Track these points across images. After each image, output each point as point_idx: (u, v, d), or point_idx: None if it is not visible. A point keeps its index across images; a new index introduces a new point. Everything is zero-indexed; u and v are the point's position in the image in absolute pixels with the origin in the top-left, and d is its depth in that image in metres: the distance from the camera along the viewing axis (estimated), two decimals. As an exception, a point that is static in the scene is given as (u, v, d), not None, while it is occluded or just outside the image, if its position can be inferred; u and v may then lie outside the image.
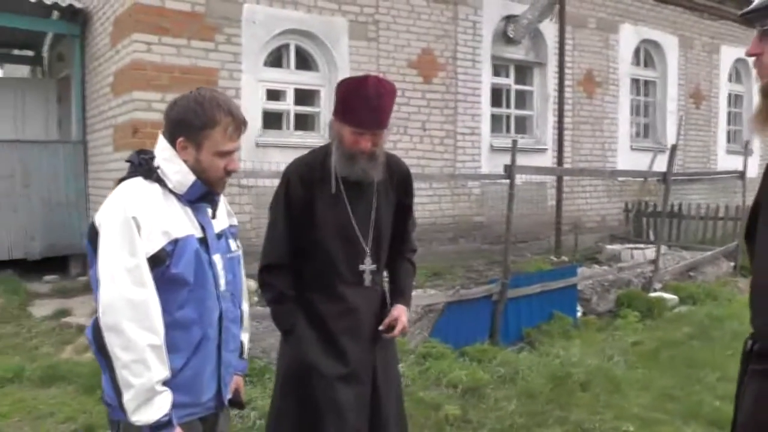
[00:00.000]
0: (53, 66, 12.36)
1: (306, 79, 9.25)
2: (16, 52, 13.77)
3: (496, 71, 11.12)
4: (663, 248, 9.22)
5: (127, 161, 2.26)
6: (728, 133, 15.11)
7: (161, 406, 2.05)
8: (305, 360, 2.85)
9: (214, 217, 2.32)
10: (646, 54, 13.40)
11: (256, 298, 5.69)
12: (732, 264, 10.14)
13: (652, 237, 11.08)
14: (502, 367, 5.56)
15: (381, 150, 2.84)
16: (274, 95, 9.03)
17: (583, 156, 11.99)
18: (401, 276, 3.11)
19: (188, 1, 8.10)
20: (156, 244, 2.09)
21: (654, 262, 8.68)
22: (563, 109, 11.11)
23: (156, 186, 2.18)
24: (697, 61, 14.05)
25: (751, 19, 1.91)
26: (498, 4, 10.72)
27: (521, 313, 6.77)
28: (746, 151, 10.80)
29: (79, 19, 9.81)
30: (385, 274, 3.11)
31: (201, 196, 2.23)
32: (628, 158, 12.52)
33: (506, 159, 6.93)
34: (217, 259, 2.27)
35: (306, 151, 3.05)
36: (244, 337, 2.55)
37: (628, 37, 12.67)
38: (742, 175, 10.64)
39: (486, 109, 10.75)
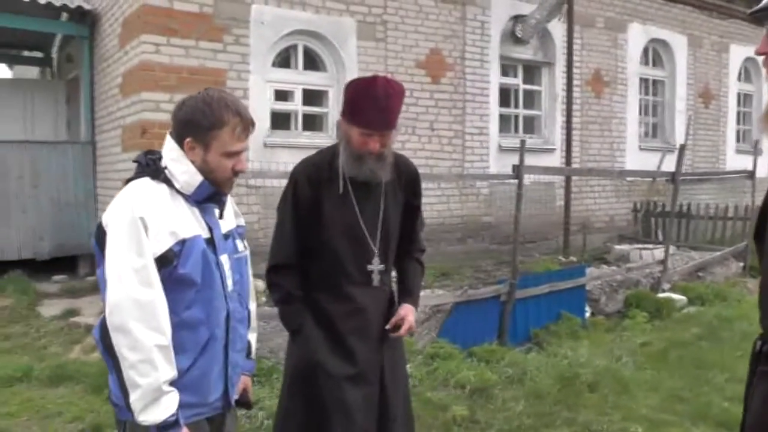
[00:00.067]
0: (62, 67, 12.41)
1: (314, 80, 9.26)
2: (25, 53, 13.86)
3: (505, 71, 11.10)
4: (672, 248, 9.18)
5: (135, 162, 2.26)
6: (737, 132, 15.04)
7: (168, 406, 2.05)
8: (313, 360, 2.85)
9: (221, 217, 2.32)
10: (655, 53, 13.35)
11: (263, 298, 5.70)
12: (741, 264, 10.09)
13: (660, 237, 11.03)
14: (510, 367, 5.55)
15: (389, 150, 2.84)
16: (282, 96, 9.03)
17: (591, 156, 11.96)
18: (410, 276, 3.11)
19: (196, 2, 8.12)
20: (163, 244, 2.09)
21: (663, 262, 8.64)
22: (572, 108, 11.09)
23: (163, 186, 2.18)
24: (706, 61, 13.99)
25: (760, 17, 1.90)
26: (506, 4, 10.71)
27: (529, 313, 6.76)
28: (756, 151, 10.75)
29: (87, 20, 9.85)
30: (393, 274, 3.10)
31: (208, 196, 2.23)
32: (636, 158, 12.48)
33: (514, 159, 6.92)
34: (224, 259, 2.27)
35: (314, 152, 3.05)
36: (252, 338, 2.55)
37: (637, 36, 12.63)
38: (751, 174, 10.59)
39: (494, 109, 10.73)
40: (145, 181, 2.19)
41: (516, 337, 6.59)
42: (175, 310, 2.11)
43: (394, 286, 3.12)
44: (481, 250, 10.11)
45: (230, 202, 2.41)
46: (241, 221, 2.50)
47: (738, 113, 15.04)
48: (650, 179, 12.02)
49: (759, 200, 2.24)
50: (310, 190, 2.86)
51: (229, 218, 2.39)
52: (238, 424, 3.42)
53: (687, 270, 9.26)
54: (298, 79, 9.11)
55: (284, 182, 3.00)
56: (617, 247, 10.61)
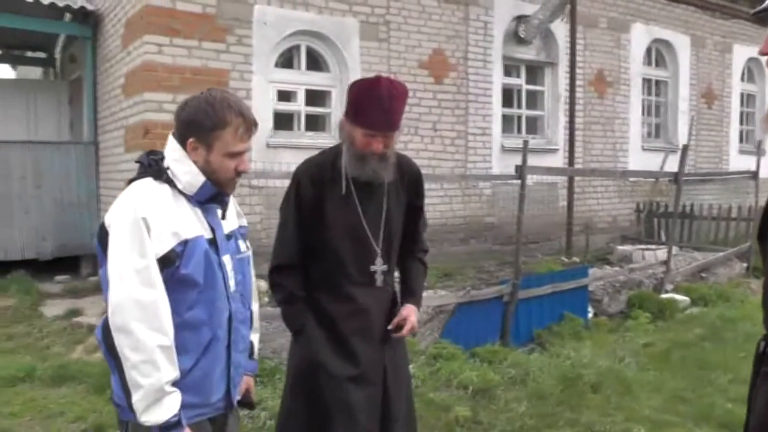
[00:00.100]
0: (65, 68, 12.43)
1: (317, 80, 9.26)
2: (29, 53, 13.88)
3: (507, 71, 11.09)
4: (674, 249, 9.17)
5: (137, 162, 2.26)
6: (741, 133, 15.02)
7: (170, 406, 2.05)
8: (315, 360, 2.85)
9: (223, 217, 2.32)
10: (658, 53, 13.34)
11: (266, 299, 5.70)
12: (744, 265, 10.07)
13: (663, 238, 11.02)
14: (512, 368, 5.54)
15: (392, 151, 2.84)
16: (285, 96, 9.04)
17: (594, 156, 11.94)
18: (412, 276, 3.11)
19: (199, 3, 8.12)
20: (166, 245, 2.09)
21: (665, 263, 8.63)
22: (574, 109, 11.07)
23: (166, 187, 2.18)
24: (709, 61, 13.97)
25: (764, 17, 1.90)
26: (509, 5, 10.70)
27: (532, 314, 6.75)
28: (759, 151, 10.73)
29: (90, 21, 9.87)
30: (396, 274, 3.10)
31: (211, 197, 2.23)
32: (639, 158, 12.46)
33: (517, 159, 6.91)
34: (226, 259, 2.27)
35: (317, 152, 3.05)
36: (254, 338, 2.55)
37: (640, 36, 12.61)
38: (754, 175, 10.57)
39: (497, 109, 10.73)
40: (148, 182, 2.18)
41: (519, 337, 6.58)
42: (177, 311, 2.11)
43: (397, 287, 3.12)
44: (483, 251, 10.11)
45: (233, 202, 2.41)
46: (244, 222, 2.50)
47: (741, 113, 15.02)
48: (653, 180, 12.01)
49: (762, 201, 2.24)
50: (313, 191, 2.86)
51: (232, 219, 2.39)
52: (241, 424, 3.42)
53: (690, 271, 9.25)
54: (300, 79, 9.11)
55: (287, 183, 3.00)
56: (620, 247, 10.60)
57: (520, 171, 6.68)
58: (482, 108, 10.50)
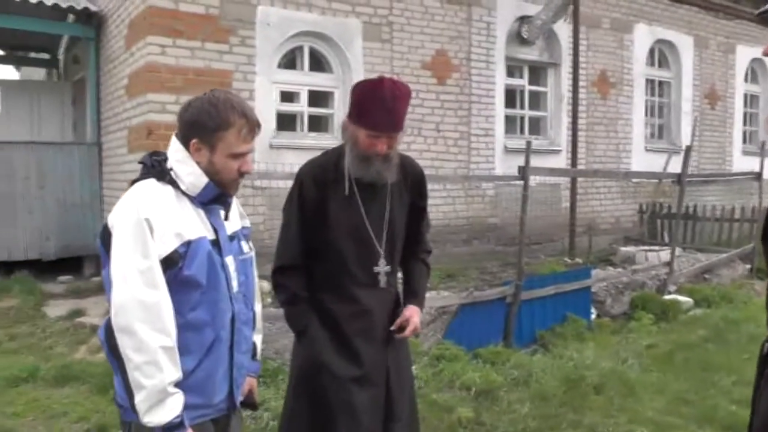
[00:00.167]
0: (69, 68, 12.45)
1: (320, 81, 9.27)
2: (32, 55, 13.93)
3: (510, 72, 11.09)
4: (678, 250, 9.16)
5: (140, 163, 2.26)
6: (744, 133, 15.00)
7: (173, 407, 2.05)
8: (318, 361, 2.85)
9: (226, 218, 2.32)
10: (661, 54, 13.33)
11: (269, 299, 5.70)
12: (748, 266, 10.05)
13: (666, 239, 11.00)
14: (515, 369, 5.54)
15: (395, 152, 2.84)
16: (287, 97, 9.04)
17: (597, 157, 11.94)
18: (415, 277, 3.10)
19: (202, 4, 8.13)
20: (169, 246, 2.09)
21: (669, 264, 8.62)
22: (577, 110, 11.07)
23: (169, 188, 2.18)
24: (712, 61, 13.95)
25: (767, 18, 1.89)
26: (512, 5, 10.70)
27: (535, 315, 6.75)
28: (762, 152, 10.71)
29: (94, 22, 9.88)
30: (399, 275, 3.10)
31: (214, 197, 2.23)
32: (642, 159, 12.45)
33: (520, 160, 6.91)
34: (229, 260, 2.26)
35: (320, 153, 3.05)
36: (257, 339, 2.55)
37: (643, 37, 12.60)
38: (758, 176, 10.56)
39: (500, 110, 10.72)
40: (151, 183, 2.18)
41: (521, 338, 6.58)
42: (180, 312, 2.11)
43: (400, 288, 3.12)
44: (486, 252, 10.10)
45: (235, 203, 2.41)
46: (247, 222, 2.49)
47: (744, 114, 15.00)
48: (656, 181, 12.00)
49: (766, 202, 2.23)
50: (316, 192, 2.86)
51: (235, 220, 2.39)
52: (244, 425, 3.42)
53: (693, 272, 9.23)
54: (303, 80, 9.11)
55: (290, 183, 3.00)
56: (623, 248, 10.59)
57: (523, 172, 6.68)
58: (485, 109, 10.50)
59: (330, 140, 8.68)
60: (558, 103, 11.51)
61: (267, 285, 4.34)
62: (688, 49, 13.43)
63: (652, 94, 13.24)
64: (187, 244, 2.12)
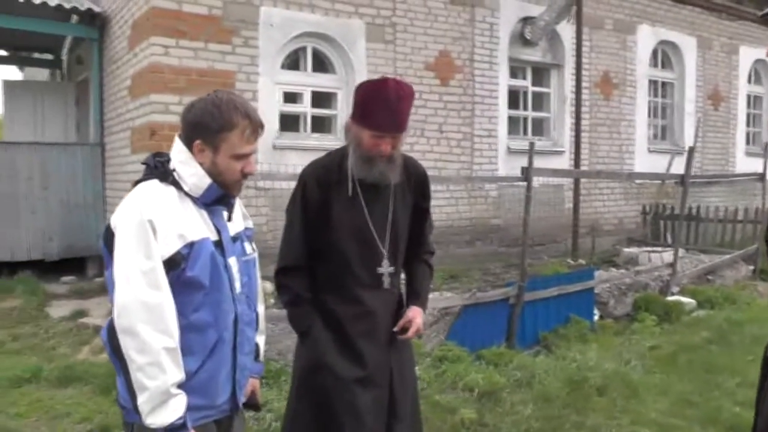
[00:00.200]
0: (72, 69, 12.47)
1: (323, 82, 9.27)
2: (36, 55, 13.95)
3: (513, 73, 11.09)
4: (681, 251, 9.15)
5: (143, 164, 2.26)
6: (747, 134, 14.97)
7: (176, 408, 2.04)
8: (322, 362, 2.85)
9: (230, 219, 2.31)
10: (664, 55, 13.31)
11: (272, 300, 5.70)
12: (751, 267, 10.04)
13: (669, 240, 10.99)
14: (518, 370, 5.53)
15: (399, 152, 2.84)
16: (291, 98, 9.05)
17: (600, 158, 11.92)
18: (418, 278, 3.10)
19: (205, 5, 8.14)
20: (171, 247, 2.08)
21: (672, 265, 8.61)
22: (580, 111, 11.05)
23: (172, 189, 2.17)
24: (715, 62, 13.94)
25: (772, 20, 1.89)
26: (515, 6, 10.70)
27: (538, 316, 6.74)
28: (766, 153, 10.71)
29: (97, 22, 9.90)
30: (402, 276, 3.10)
31: (217, 199, 2.23)
32: (645, 160, 12.43)
33: (523, 161, 6.91)
34: (232, 262, 2.26)
35: (323, 154, 3.05)
36: (260, 340, 2.55)
37: (646, 38, 12.59)
38: (761, 177, 10.54)
39: (503, 111, 10.72)
40: (154, 184, 2.18)
41: (524, 340, 6.57)
42: (183, 313, 2.10)
43: (403, 289, 3.11)
44: (489, 253, 10.10)
45: (238, 204, 2.41)
46: (250, 223, 2.49)
47: (748, 115, 14.98)
48: (659, 182, 11.98)
49: (770, 203, 2.23)
50: (319, 192, 2.86)
51: (238, 220, 2.39)
52: (246, 426, 3.42)
53: (696, 273, 9.22)
54: (306, 81, 9.12)
55: (293, 184, 3.00)
56: (626, 249, 10.57)
57: (526, 173, 6.67)
58: (488, 110, 10.49)
59: (333, 141, 8.68)
60: (561, 104, 11.50)
61: (270, 286, 4.32)
62: (691, 50, 13.42)
63: (655, 95, 13.23)
64: (190, 245, 2.12)
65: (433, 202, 3.17)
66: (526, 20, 10.80)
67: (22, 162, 9.48)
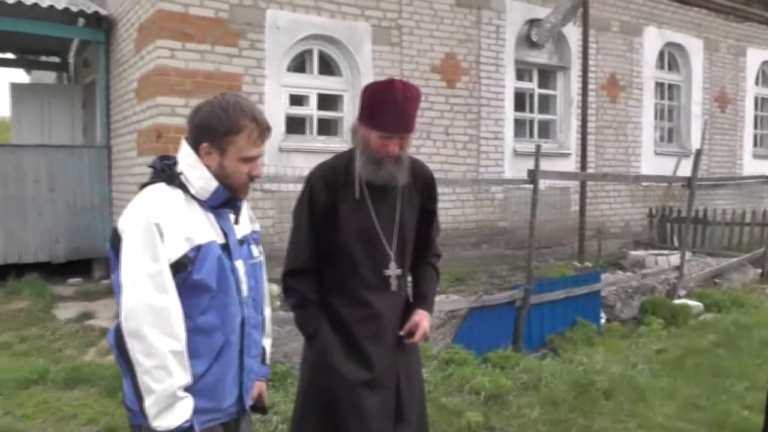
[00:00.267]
0: (79, 72, 12.51)
1: (329, 84, 9.28)
2: (43, 58, 14.00)
3: (520, 75, 11.08)
4: (687, 254, 9.12)
5: (150, 167, 2.26)
6: (755, 137, 14.92)
7: (183, 411, 2.04)
8: (328, 365, 2.84)
9: (236, 222, 2.31)
10: (671, 57, 13.28)
11: (278, 303, 5.70)
12: (759, 271, 10.00)
13: (676, 243, 10.95)
14: (525, 373, 5.51)
15: (406, 153, 2.83)
16: (297, 100, 9.06)
17: (606, 161, 11.90)
18: (425, 281, 3.09)
19: (212, 8, 8.15)
20: (178, 250, 2.08)
21: (678, 268, 8.58)
22: (587, 113, 11.04)
23: (179, 192, 2.17)
24: (722, 64, 13.90)
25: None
26: (521, 8, 10.69)
27: (544, 319, 6.73)
28: (773, 156, 10.67)
29: (103, 25, 9.93)
30: (409, 278, 3.09)
31: (224, 201, 2.22)
32: (652, 163, 12.41)
33: (529, 164, 6.90)
34: (239, 265, 2.26)
35: (329, 156, 3.05)
36: (267, 343, 2.54)
37: (652, 40, 12.57)
38: (769, 180, 10.50)
39: (509, 113, 10.71)
40: (161, 187, 2.18)
41: (531, 343, 6.56)
42: (190, 316, 2.10)
43: (410, 291, 3.11)
44: (496, 256, 10.09)
45: (245, 207, 2.40)
46: (256, 226, 2.49)
47: (755, 117, 14.92)
48: (666, 184, 11.96)
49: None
50: (326, 195, 2.85)
51: (244, 223, 2.38)
52: (253, 429, 3.42)
53: (703, 276, 9.19)
54: (313, 83, 9.13)
55: (299, 187, 3.00)
56: (633, 252, 10.54)
57: (533, 175, 6.66)
58: (494, 112, 10.49)
59: (339, 143, 8.69)
60: (567, 107, 11.48)
61: (276, 288, 4.33)
62: (698, 52, 13.38)
63: (662, 98, 13.20)
64: (197, 248, 2.12)
65: (439, 205, 3.16)
66: (532, 22, 10.80)
67: (29, 164, 9.51)
